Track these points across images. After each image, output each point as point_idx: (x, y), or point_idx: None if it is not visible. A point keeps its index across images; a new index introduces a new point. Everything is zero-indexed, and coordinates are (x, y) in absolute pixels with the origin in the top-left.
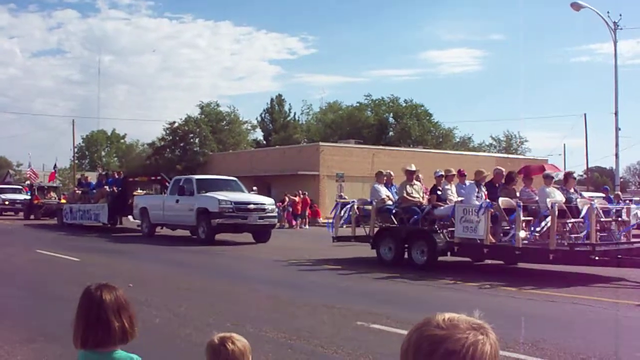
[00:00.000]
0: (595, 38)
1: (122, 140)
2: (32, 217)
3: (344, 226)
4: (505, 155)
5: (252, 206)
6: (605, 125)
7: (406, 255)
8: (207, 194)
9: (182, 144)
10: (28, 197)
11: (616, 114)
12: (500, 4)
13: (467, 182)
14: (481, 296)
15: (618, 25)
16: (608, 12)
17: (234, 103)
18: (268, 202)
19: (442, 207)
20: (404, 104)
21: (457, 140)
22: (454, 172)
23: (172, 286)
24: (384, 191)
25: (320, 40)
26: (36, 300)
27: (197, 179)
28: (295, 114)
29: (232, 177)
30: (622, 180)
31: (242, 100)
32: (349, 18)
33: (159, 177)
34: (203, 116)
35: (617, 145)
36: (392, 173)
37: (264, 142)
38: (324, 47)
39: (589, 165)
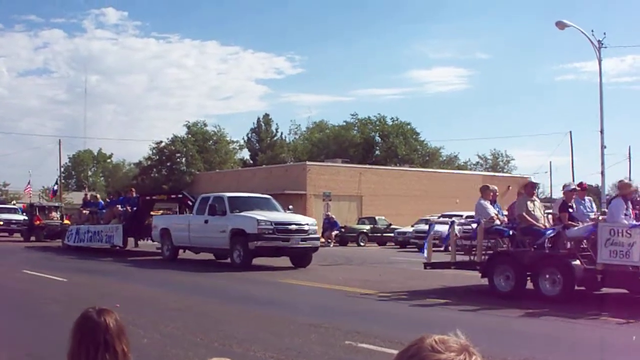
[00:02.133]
0: (580, 56)
1: (108, 160)
2: (32, 238)
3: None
4: (492, 174)
5: (293, 227)
6: (590, 142)
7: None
8: (242, 213)
9: (168, 164)
10: (24, 217)
11: (602, 131)
12: (486, 23)
13: (587, 198)
14: None
15: (602, 44)
16: (592, 31)
17: (220, 123)
18: (310, 222)
19: (576, 228)
20: (391, 123)
21: (444, 158)
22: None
23: (161, 307)
24: (492, 209)
25: (307, 59)
26: (20, 319)
27: (230, 197)
28: (282, 133)
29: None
30: (608, 197)
31: (229, 119)
32: (335, 38)
33: (180, 196)
34: (190, 136)
35: (602, 162)
36: (496, 188)
37: (251, 161)
38: (311, 66)
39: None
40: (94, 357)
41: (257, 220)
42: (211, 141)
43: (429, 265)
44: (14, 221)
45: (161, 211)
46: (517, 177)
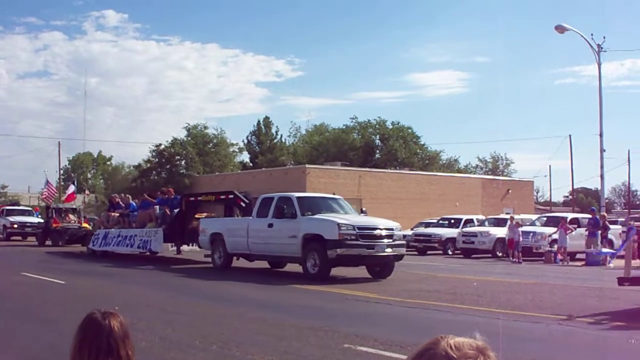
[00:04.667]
0: (579, 60)
1: (108, 163)
2: (48, 242)
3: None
4: (492, 177)
5: (378, 232)
6: (590, 146)
7: None
8: (316, 216)
9: (168, 166)
10: (39, 220)
11: (601, 135)
12: (485, 26)
13: None
14: None
15: (602, 48)
16: (592, 35)
17: (220, 125)
18: (395, 226)
19: None
20: (391, 126)
21: (444, 162)
22: None
23: (159, 309)
24: None
25: (307, 62)
26: (15, 321)
27: (299, 197)
28: (282, 136)
29: None
30: (607, 201)
31: (229, 122)
32: (335, 41)
33: (231, 196)
34: (189, 138)
35: (602, 166)
36: None
37: (251, 164)
38: (311, 69)
39: (574, 187)
40: None
41: (338, 224)
42: (211, 144)
43: (627, 281)
44: (28, 224)
45: (205, 214)
46: (517, 180)
